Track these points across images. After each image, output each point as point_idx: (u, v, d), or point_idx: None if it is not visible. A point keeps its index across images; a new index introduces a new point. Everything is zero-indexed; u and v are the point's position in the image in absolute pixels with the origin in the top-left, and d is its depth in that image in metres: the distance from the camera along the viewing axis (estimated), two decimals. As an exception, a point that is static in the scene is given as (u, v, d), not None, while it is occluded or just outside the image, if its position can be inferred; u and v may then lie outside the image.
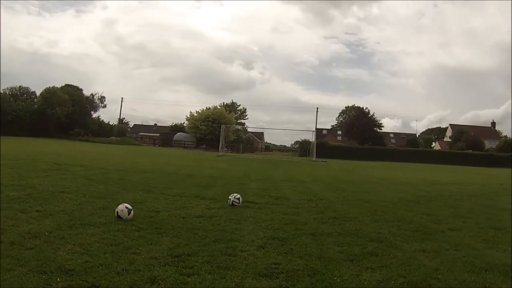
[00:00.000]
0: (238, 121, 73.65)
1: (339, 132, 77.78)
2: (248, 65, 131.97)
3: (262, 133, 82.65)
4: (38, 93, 51.42)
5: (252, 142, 70.10)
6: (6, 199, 5.95)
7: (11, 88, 49.92)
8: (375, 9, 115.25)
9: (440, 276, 3.56)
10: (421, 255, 4.25)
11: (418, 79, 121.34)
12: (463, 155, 50.37)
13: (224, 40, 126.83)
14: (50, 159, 14.46)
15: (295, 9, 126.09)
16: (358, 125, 62.30)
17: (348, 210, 7.11)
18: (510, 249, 4.63)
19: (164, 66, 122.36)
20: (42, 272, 3.17)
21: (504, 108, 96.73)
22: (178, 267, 3.50)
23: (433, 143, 78.95)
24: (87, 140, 46.52)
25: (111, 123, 64.19)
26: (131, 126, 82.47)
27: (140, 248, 3.98)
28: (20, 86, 50.79)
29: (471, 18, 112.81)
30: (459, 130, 64.81)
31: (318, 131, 64.60)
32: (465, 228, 5.91)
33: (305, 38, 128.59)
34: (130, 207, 5.35)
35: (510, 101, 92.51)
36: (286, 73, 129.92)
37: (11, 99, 47.42)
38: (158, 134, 70.54)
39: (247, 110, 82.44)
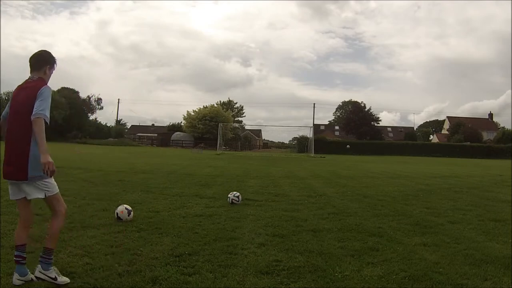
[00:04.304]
0: (235, 118, 73.60)
1: (337, 127, 77.94)
2: (245, 62, 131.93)
3: (260, 130, 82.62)
4: (34, 97, 51.28)
5: (250, 140, 70.05)
6: (6, 204, 5.92)
7: (7, 93, 49.75)
8: (372, 2, 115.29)
9: (441, 269, 3.57)
10: (421, 249, 4.27)
11: (415, 71, 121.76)
12: (461, 147, 50.58)
13: (221, 38, 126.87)
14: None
15: (292, 4, 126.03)
16: (355, 119, 62.41)
17: (348, 205, 7.12)
18: (510, 241, 4.65)
19: (160, 66, 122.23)
20: (43, 276, 3.16)
21: (503, 98, 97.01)
22: (179, 266, 3.50)
23: (431, 136, 79.19)
24: (84, 143, 46.46)
25: (108, 124, 64.14)
26: (128, 127, 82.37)
27: (141, 249, 3.98)
28: (16, 91, 50.60)
29: (467, 8, 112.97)
30: (457, 122, 64.99)
31: (316, 127, 64.74)
32: (465, 220, 5.93)
33: (302, 33, 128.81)
34: (130, 208, 5.34)
35: (508, 91, 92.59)
36: (284, 69, 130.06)
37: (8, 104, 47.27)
38: (156, 134, 70.50)
39: (244, 107, 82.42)
